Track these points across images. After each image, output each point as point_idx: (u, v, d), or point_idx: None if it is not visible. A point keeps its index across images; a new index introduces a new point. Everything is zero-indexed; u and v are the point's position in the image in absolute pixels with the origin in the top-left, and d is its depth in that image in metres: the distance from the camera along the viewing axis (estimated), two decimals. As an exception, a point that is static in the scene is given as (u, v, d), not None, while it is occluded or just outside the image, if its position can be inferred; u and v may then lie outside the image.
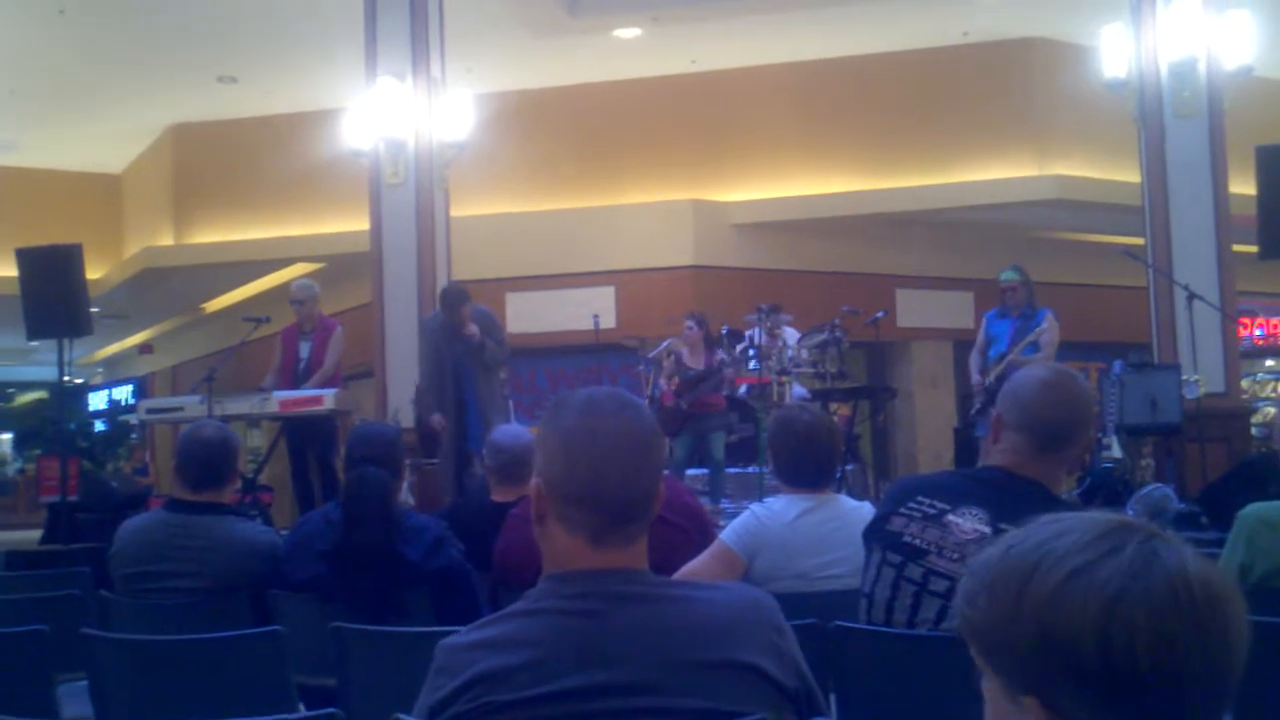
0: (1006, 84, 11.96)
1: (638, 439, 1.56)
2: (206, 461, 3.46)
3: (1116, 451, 7.11)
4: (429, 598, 3.24)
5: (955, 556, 2.23)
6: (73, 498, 8.01)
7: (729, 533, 3.23)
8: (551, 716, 1.46)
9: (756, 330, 8.50)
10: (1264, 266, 8.37)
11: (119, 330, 18.08)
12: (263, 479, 8.93)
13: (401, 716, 1.64)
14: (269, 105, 12.68)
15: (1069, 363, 2.47)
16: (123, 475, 13.83)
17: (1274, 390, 14.82)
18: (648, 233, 12.16)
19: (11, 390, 24.33)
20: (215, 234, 13.44)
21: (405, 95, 8.49)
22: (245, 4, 10.24)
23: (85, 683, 2.85)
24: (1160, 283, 7.77)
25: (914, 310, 12.46)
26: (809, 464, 3.29)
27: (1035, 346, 7.60)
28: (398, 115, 8.45)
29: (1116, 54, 8.00)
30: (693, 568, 3.13)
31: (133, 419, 17.62)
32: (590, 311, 10.69)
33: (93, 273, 10.33)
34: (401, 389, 8.15)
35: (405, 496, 4.84)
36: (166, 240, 13.74)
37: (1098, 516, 0.99)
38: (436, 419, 7.32)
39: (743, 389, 8.87)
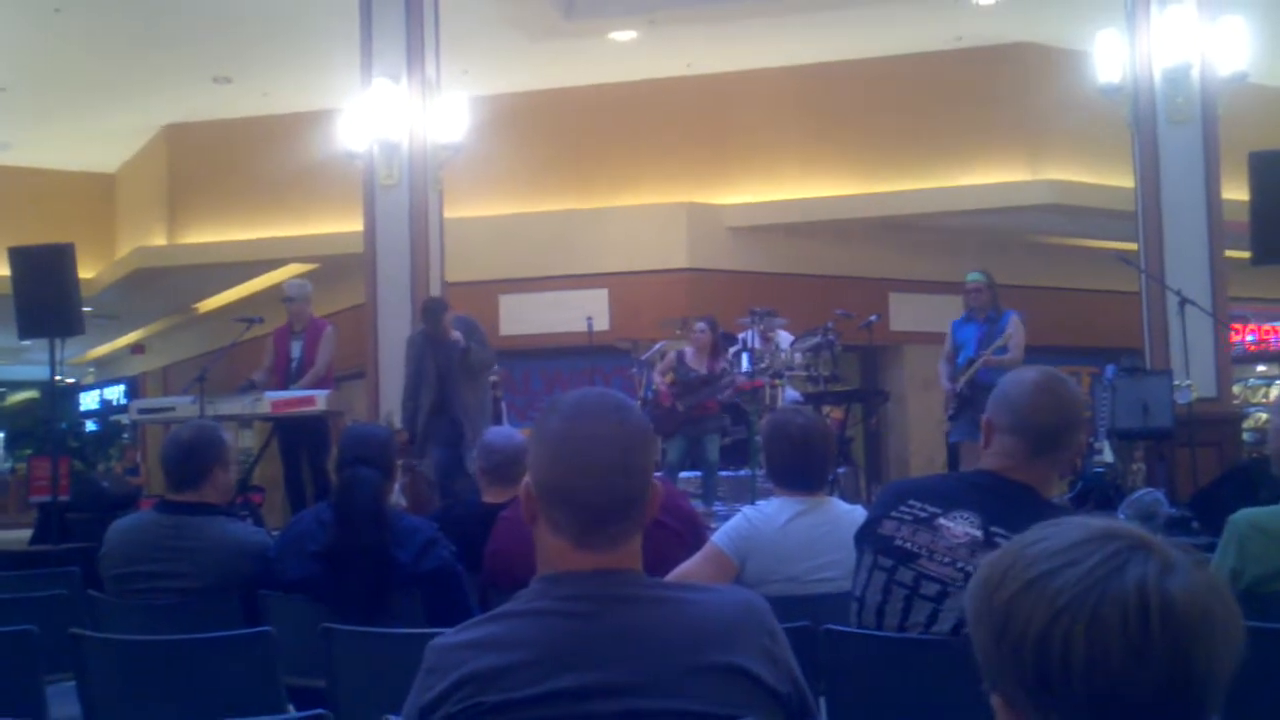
0: (1000, 89, 11.99)
1: (621, 442, 1.56)
2: (181, 461, 3.46)
3: (1108, 456, 7.13)
4: (420, 599, 3.23)
5: (946, 560, 2.23)
6: (63, 498, 7.98)
7: (721, 535, 3.23)
8: (542, 718, 1.46)
9: (750, 333, 8.50)
10: (1256, 272, 8.38)
11: (111, 330, 18.05)
12: (254, 479, 8.92)
13: (391, 718, 1.63)
14: (264, 106, 12.67)
15: (1062, 367, 2.47)
16: (114, 475, 13.77)
17: (1265, 396, 14.85)
18: (642, 235, 12.17)
19: (2, 390, 24.27)
20: (208, 234, 13.42)
21: (400, 97, 8.49)
22: (241, 4, 10.22)
23: (74, 683, 2.84)
24: (1153, 288, 7.78)
25: (907, 314, 12.47)
26: (802, 467, 3.29)
27: (1004, 349, 7.63)
28: (392, 117, 8.45)
29: (1110, 59, 8.01)
30: (684, 570, 3.12)
31: (124, 419, 17.58)
32: (584, 314, 10.70)
33: (85, 272, 10.30)
34: (394, 390, 8.14)
35: (397, 498, 4.83)
36: (159, 240, 13.72)
37: (1091, 523, 0.98)
38: (403, 433, 7.44)
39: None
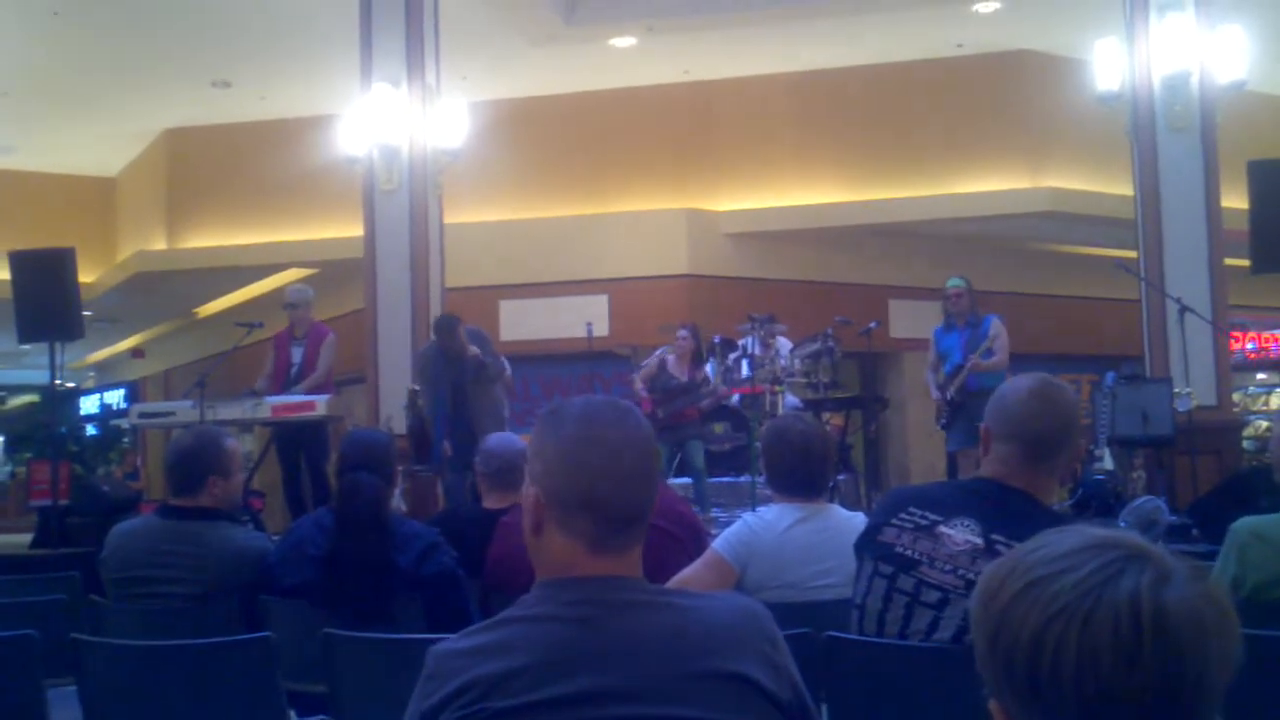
0: (1000, 96, 12.00)
1: (638, 447, 1.57)
2: (183, 466, 3.46)
3: (1108, 463, 7.13)
4: (420, 604, 3.23)
5: (947, 568, 2.23)
6: (63, 502, 7.98)
7: (721, 541, 3.23)
8: (544, 724, 1.46)
9: (750, 339, 8.50)
10: (1256, 280, 8.41)
11: (111, 334, 18.04)
12: (255, 484, 8.91)
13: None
14: (264, 110, 12.68)
15: (1061, 374, 2.46)
16: (114, 479, 13.74)
17: (1265, 404, 14.87)
18: (641, 241, 12.18)
19: (3, 393, 24.27)
20: (208, 239, 13.42)
21: (400, 102, 8.49)
22: (240, 9, 10.23)
23: (74, 688, 2.84)
24: (1152, 296, 7.79)
25: (907, 321, 12.45)
26: (802, 473, 3.29)
27: (990, 353, 7.64)
28: (392, 121, 8.45)
29: (1109, 67, 8.02)
30: (685, 576, 3.12)
31: (124, 423, 17.56)
32: (583, 320, 10.68)
33: (85, 276, 10.31)
34: (394, 395, 8.13)
35: (397, 503, 4.83)
36: (160, 244, 13.72)
37: (1091, 532, 0.98)
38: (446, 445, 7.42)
39: (735, 398, 8.85)
